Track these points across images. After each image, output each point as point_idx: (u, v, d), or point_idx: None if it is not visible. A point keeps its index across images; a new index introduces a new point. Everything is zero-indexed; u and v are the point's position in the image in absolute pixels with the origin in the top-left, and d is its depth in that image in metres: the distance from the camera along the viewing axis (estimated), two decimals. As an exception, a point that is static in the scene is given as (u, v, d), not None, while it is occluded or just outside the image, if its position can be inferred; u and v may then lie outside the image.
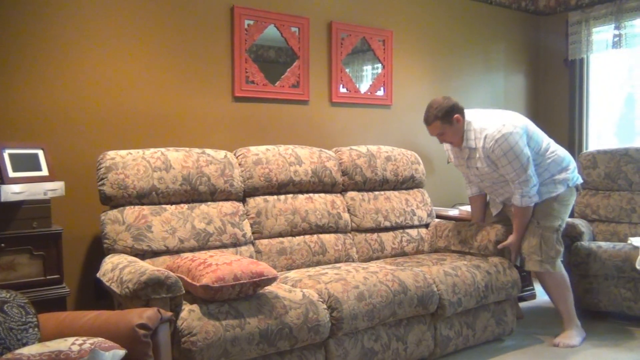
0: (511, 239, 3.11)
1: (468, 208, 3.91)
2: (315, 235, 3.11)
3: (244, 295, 2.25)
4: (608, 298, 3.47)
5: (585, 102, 4.86)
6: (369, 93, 3.98)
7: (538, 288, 4.21)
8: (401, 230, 3.46)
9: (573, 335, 3.12)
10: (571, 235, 3.64)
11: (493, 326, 3.07)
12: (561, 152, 3.16)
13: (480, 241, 3.22)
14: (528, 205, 3.02)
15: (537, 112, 5.10)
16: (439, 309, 2.78)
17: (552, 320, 3.51)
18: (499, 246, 3.12)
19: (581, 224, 3.74)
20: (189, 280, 2.21)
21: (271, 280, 2.29)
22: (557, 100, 5.01)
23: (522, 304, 3.81)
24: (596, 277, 3.50)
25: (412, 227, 3.52)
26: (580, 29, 4.71)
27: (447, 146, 3.24)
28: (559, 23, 4.93)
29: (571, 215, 4.21)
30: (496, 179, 3.10)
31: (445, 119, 2.97)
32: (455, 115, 2.98)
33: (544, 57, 5.09)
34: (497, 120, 2.98)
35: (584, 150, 4.58)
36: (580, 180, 3.22)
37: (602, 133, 4.89)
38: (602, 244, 3.55)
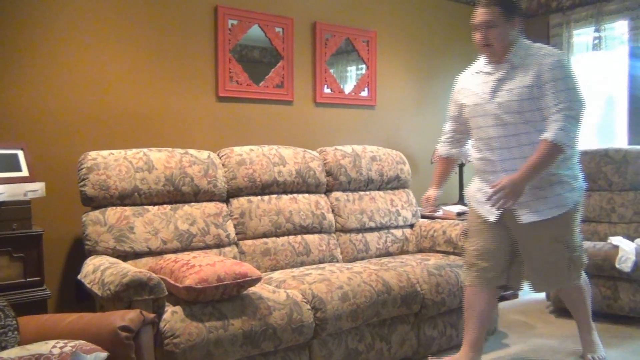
0: (506, 181, 2.33)
1: (452, 208, 3.94)
2: (299, 236, 3.11)
3: (227, 296, 2.24)
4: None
5: (566, 103, 4.91)
6: (353, 93, 3.99)
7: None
8: (386, 231, 3.47)
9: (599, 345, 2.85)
10: (552, 235, 3.68)
11: (476, 325, 3.10)
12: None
13: (464, 241, 3.24)
14: (563, 143, 2.29)
15: (519, 113, 5.14)
16: (422, 308, 2.80)
17: (534, 319, 3.56)
18: (492, 189, 2.36)
19: (562, 223, 3.78)
20: (172, 282, 2.19)
21: (255, 281, 2.29)
22: (538, 101, 5.06)
23: (505, 303, 3.86)
24: (577, 276, 3.55)
25: (397, 227, 3.53)
26: (561, 31, 4.77)
27: (460, 85, 2.65)
28: (540, 25, 4.99)
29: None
30: (517, 122, 2.40)
31: (507, 11, 2.38)
32: (517, 18, 2.42)
33: (526, 59, 5.14)
34: None
35: (565, 151, 4.64)
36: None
37: (582, 134, 4.94)
38: (583, 243, 3.60)
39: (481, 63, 2.56)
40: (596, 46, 4.58)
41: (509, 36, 2.41)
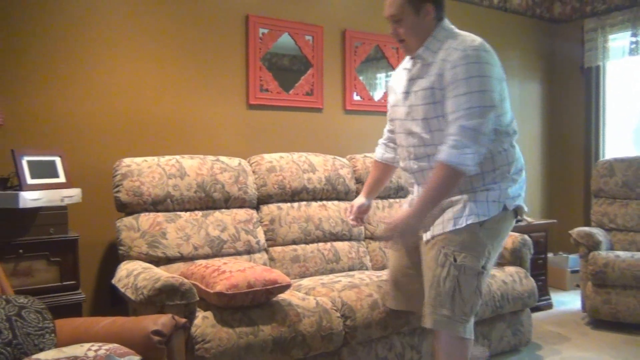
0: (398, 219, 2.00)
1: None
2: (328, 243, 3.10)
3: (257, 302, 2.25)
4: (627, 308, 3.41)
5: (602, 109, 4.81)
6: (382, 100, 3.97)
7: (555, 297, 4.16)
8: (415, 239, 3.43)
9: None
10: (588, 245, 3.60)
11: (509, 336, 3.04)
12: (520, 153, 2.13)
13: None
14: (456, 165, 1.87)
15: (553, 120, 5.06)
16: (453, 318, 2.75)
17: (569, 331, 3.47)
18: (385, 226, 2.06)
19: (598, 232, 3.69)
20: (203, 287, 2.21)
21: (284, 287, 2.29)
22: (573, 107, 4.96)
23: (539, 313, 3.77)
24: (614, 287, 3.45)
25: (426, 235, 3.49)
26: (596, 36, 4.67)
27: (390, 82, 2.32)
28: (574, 30, 4.90)
29: (588, 224, 4.16)
30: (421, 132, 2.04)
31: (413, 0, 2.02)
32: (428, 5, 2.02)
33: (560, 65, 5.06)
34: (480, 39, 2.02)
35: (601, 159, 4.53)
36: (523, 203, 2.11)
37: (619, 141, 4.83)
38: (620, 253, 3.51)
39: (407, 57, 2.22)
40: (633, 51, 4.47)
41: (421, 28, 2.04)
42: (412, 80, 2.08)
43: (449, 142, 1.89)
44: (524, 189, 2.10)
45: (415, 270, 2.18)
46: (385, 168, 2.40)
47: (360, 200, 2.40)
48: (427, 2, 2.02)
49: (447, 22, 2.08)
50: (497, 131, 1.97)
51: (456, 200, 1.99)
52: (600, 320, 3.53)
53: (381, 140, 2.45)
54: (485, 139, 1.91)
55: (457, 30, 2.07)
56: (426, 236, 2.01)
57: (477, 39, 1.99)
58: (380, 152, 2.43)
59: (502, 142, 2.01)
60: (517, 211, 2.07)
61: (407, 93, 2.10)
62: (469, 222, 1.94)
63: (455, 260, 1.95)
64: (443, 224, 1.98)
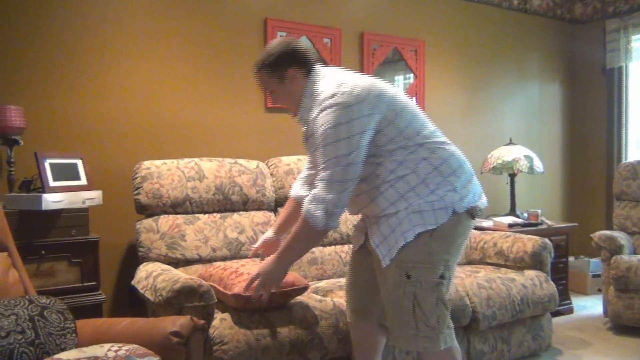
0: (260, 268, 1.99)
1: (504, 219, 3.83)
2: (346, 245, 3.10)
3: (275, 304, 2.25)
4: (650, 314, 3.35)
5: (624, 111, 4.73)
6: (400, 103, 3.96)
7: (576, 302, 4.10)
8: (433, 242, 3.41)
9: None
10: (610, 248, 3.54)
11: (529, 341, 3.00)
12: (451, 150, 1.95)
13: (516, 253, 3.15)
14: (308, 219, 1.84)
15: (574, 122, 4.99)
16: (472, 322, 2.73)
17: (590, 336, 3.41)
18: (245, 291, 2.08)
19: (621, 236, 3.63)
20: (221, 289, 2.23)
21: (302, 289, 2.29)
22: (594, 109, 4.89)
23: (560, 318, 3.72)
24: (637, 291, 3.39)
25: (444, 238, 3.46)
26: (618, 37, 4.60)
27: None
28: (596, 31, 4.83)
29: (610, 228, 4.09)
30: None
31: (273, 70, 1.97)
32: (289, 70, 1.95)
33: (581, 66, 4.99)
34: (341, 78, 1.90)
35: (624, 161, 4.45)
36: (480, 202, 1.96)
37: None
38: (644, 257, 3.44)
39: None
40: (657, 51, 4.39)
41: (293, 92, 1.98)
42: (306, 140, 2.04)
43: (311, 194, 1.86)
44: (472, 184, 1.95)
45: (372, 286, 2.07)
46: (297, 206, 2.16)
47: (268, 234, 2.29)
48: (288, 67, 1.95)
49: (314, 74, 1.98)
50: (405, 147, 1.88)
51: (402, 216, 1.88)
52: (622, 325, 3.47)
53: (299, 176, 2.31)
54: (344, 187, 1.82)
55: (322, 79, 1.96)
56: (385, 262, 1.90)
57: (334, 83, 1.88)
58: (295, 189, 2.29)
59: (418, 154, 1.88)
60: (472, 211, 1.93)
61: (309, 152, 2.08)
62: (417, 231, 1.85)
63: (409, 277, 1.86)
64: (397, 243, 1.88)
